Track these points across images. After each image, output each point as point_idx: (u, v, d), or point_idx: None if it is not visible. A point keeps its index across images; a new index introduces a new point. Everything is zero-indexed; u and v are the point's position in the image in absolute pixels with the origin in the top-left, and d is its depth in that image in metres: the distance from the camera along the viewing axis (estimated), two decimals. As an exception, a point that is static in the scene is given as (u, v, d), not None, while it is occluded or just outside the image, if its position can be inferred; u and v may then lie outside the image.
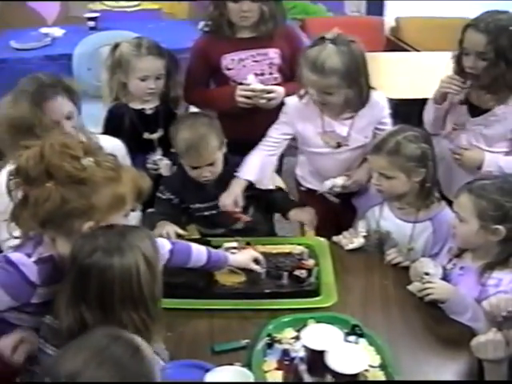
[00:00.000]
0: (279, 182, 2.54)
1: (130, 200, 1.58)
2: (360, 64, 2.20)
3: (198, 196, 2.31)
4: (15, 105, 1.99)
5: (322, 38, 2.17)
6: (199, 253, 1.89)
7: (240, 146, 2.32)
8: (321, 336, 1.63)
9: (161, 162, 2.52)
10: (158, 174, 2.51)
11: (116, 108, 2.51)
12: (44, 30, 4.28)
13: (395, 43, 4.85)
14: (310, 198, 2.49)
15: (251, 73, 2.50)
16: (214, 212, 2.33)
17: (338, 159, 2.38)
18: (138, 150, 2.48)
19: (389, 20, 5.04)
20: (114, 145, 2.22)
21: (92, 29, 4.31)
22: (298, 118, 2.35)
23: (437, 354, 1.74)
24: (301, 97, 2.32)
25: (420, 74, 3.63)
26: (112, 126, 2.49)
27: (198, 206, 2.33)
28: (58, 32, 4.28)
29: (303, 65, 2.19)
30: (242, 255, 1.99)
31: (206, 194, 2.31)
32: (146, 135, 2.52)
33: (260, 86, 2.45)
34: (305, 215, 2.35)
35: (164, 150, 2.53)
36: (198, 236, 2.36)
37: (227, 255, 1.96)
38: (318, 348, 1.58)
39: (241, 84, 2.49)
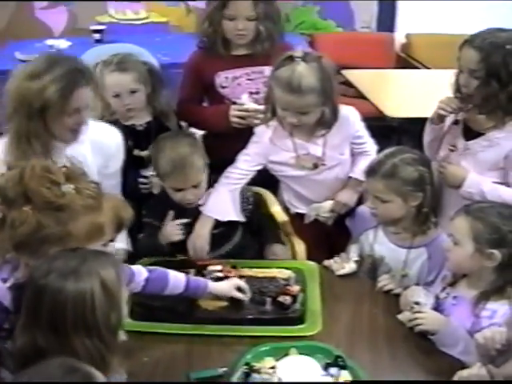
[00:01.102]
0: (274, 202, 2.47)
1: (108, 230, 1.54)
2: (332, 80, 2.15)
3: (181, 218, 2.23)
4: (37, 80, 1.87)
5: (290, 57, 2.11)
6: (176, 280, 1.83)
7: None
8: (297, 368, 1.55)
9: (154, 179, 2.45)
10: (149, 191, 2.45)
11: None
12: (49, 41, 4.27)
13: (405, 60, 4.78)
14: (300, 221, 2.41)
15: (246, 91, 2.44)
16: None
17: (317, 180, 2.31)
18: (129, 166, 2.42)
19: (399, 36, 4.97)
20: (110, 134, 2.16)
21: (98, 41, 4.30)
22: (270, 146, 2.28)
23: (424, 388, 1.66)
24: (267, 122, 2.26)
25: (430, 92, 3.54)
26: None
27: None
28: (63, 44, 4.25)
29: (276, 86, 2.12)
30: (224, 283, 1.91)
31: (189, 217, 2.23)
32: (136, 152, 2.47)
33: (254, 106, 2.39)
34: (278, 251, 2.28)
35: None
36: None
37: (207, 282, 1.89)
38: (293, 381, 1.50)
39: (235, 103, 2.43)
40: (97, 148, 2.07)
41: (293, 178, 2.33)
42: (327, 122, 2.19)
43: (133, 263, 1.88)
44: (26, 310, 1.37)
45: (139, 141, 2.46)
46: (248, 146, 2.30)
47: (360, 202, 2.33)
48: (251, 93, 2.46)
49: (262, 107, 2.35)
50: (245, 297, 1.90)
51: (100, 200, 1.52)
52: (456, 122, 2.20)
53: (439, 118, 2.21)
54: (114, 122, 2.43)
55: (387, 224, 2.15)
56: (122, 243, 2.07)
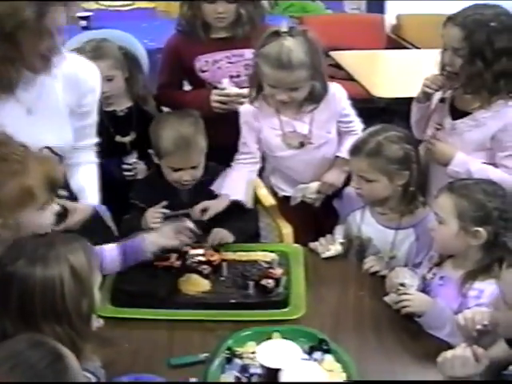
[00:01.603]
0: (260, 185, 2.43)
1: (40, 193, 1.50)
2: (320, 53, 2.11)
3: (171, 202, 2.17)
4: None
5: (276, 33, 2.06)
6: (111, 253, 1.79)
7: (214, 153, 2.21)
8: (277, 353, 1.51)
9: (138, 166, 2.42)
10: (134, 178, 2.42)
11: None
12: (35, 28, 4.20)
13: (396, 41, 4.74)
14: (287, 204, 2.36)
15: (226, 75, 2.38)
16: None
17: (305, 160, 2.26)
18: (112, 153, 2.40)
19: (390, 18, 4.92)
20: (87, 68, 2.03)
21: (85, 28, 4.23)
22: (258, 124, 2.23)
23: (411, 371, 1.61)
24: (252, 101, 2.21)
25: (421, 71, 3.50)
26: None
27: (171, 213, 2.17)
28: (49, 31, 4.20)
29: (264, 64, 2.07)
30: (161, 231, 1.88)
31: (179, 201, 2.18)
32: (118, 138, 2.43)
33: (235, 90, 2.33)
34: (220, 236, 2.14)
35: (139, 153, 2.43)
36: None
37: (143, 238, 1.82)
38: (273, 366, 1.46)
39: (216, 88, 2.38)
40: (71, 83, 1.95)
41: (279, 158, 2.28)
42: (317, 96, 2.15)
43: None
44: None
45: (120, 127, 2.43)
46: (241, 129, 2.26)
47: (348, 182, 2.27)
48: (232, 76, 2.39)
49: (243, 91, 2.30)
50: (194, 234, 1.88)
51: (26, 164, 1.49)
52: (442, 100, 2.15)
53: (425, 96, 2.16)
54: None
55: (374, 204, 2.11)
56: (92, 199, 2.05)
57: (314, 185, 2.26)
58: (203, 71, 2.43)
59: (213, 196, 2.20)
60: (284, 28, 2.06)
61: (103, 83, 2.30)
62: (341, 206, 2.26)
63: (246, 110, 2.26)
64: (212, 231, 2.13)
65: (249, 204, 2.22)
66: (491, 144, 2.07)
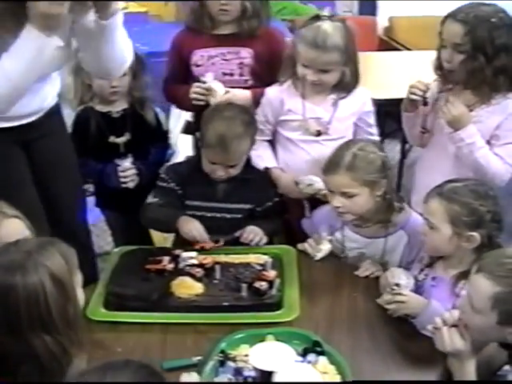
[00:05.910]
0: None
1: None
2: (355, 43, 2.17)
3: (204, 193, 2.16)
4: None
5: (317, 16, 2.13)
6: None
7: None
8: (271, 355, 1.50)
9: (129, 172, 2.41)
10: (132, 181, 2.42)
11: (83, 112, 2.43)
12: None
13: (388, 43, 4.75)
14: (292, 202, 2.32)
15: (219, 72, 2.35)
16: (218, 215, 2.16)
17: (317, 153, 2.22)
18: (106, 154, 2.41)
19: (382, 20, 4.93)
20: None
21: (77, 32, 4.23)
22: (279, 106, 2.26)
23: (405, 372, 1.61)
24: (282, 83, 2.26)
25: (413, 73, 3.50)
26: (79, 130, 2.41)
27: (198, 203, 2.16)
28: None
29: (300, 43, 2.13)
30: None
31: (214, 193, 2.17)
32: (112, 139, 2.42)
33: (214, 86, 2.27)
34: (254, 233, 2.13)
35: (133, 157, 2.43)
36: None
37: None
38: (267, 368, 1.45)
39: (198, 81, 2.34)
40: None
41: (292, 142, 2.27)
42: (346, 84, 2.20)
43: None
44: None
45: (115, 128, 2.44)
46: (261, 107, 2.30)
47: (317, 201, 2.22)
48: (225, 74, 2.37)
49: (224, 89, 2.27)
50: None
51: None
52: (425, 104, 2.14)
53: (413, 105, 2.16)
54: (90, 109, 2.43)
55: (355, 221, 2.05)
56: None
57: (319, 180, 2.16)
58: (197, 66, 2.40)
59: (248, 195, 2.20)
60: (325, 12, 2.14)
61: (116, 77, 2.29)
62: (309, 226, 2.21)
63: (272, 89, 2.29)
64: (246, 229, 2.12)
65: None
66: (489, 138, 2.06)
